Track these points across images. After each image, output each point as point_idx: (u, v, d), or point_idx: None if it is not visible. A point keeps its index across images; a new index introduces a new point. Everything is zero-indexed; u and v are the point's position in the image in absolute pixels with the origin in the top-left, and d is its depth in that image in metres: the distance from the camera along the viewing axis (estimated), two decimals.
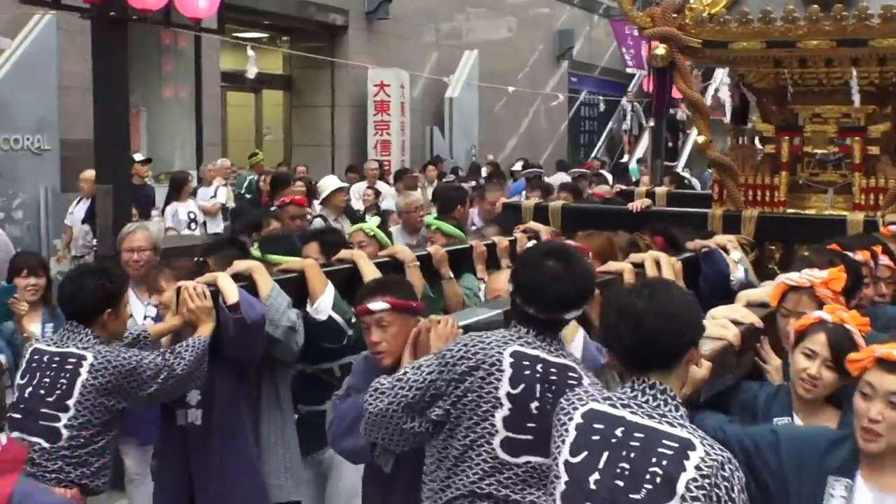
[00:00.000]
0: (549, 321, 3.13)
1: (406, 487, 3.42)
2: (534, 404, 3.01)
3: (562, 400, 2.78)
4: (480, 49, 20.08)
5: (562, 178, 16.15)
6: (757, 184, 6.27)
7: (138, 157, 12.08)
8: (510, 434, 3.01)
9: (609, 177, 16.10)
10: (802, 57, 6.01)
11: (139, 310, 5.39)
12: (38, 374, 3.93)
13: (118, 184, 7.90)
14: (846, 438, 2.88)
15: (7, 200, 11.21)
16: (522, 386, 3.02)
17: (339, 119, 17.91)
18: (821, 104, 6.16)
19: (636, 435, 2.57)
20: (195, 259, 4.78)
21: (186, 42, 14.92)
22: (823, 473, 2.84)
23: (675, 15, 6.09)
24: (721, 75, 15.25)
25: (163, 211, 11.46)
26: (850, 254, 4.33)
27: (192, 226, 11.25)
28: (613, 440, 2.58)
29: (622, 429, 2.58)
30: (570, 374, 3.07)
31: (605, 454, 2.57)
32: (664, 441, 2.54)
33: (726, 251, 5.79)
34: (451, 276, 5.13)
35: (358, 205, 11.72)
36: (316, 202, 11.35)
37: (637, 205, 6.34)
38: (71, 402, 3.83)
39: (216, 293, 4.05)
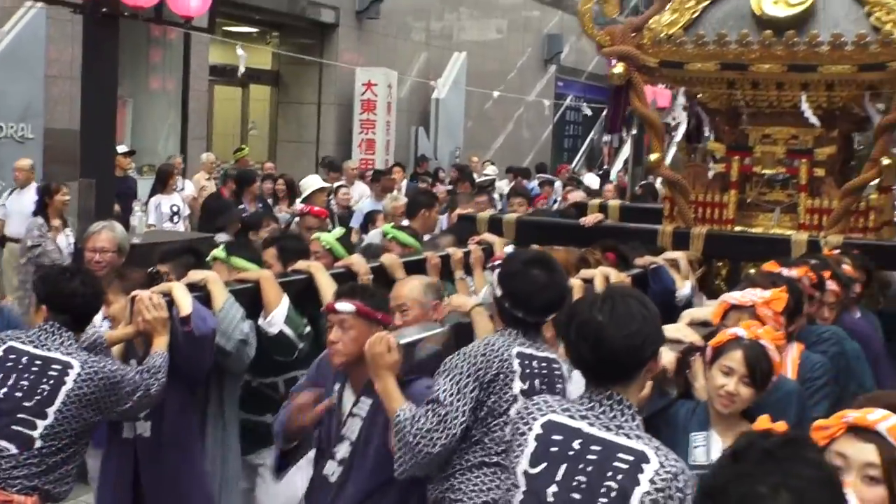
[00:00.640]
0: (535, 323, 3.48)
1: (352, 499, 3.54)
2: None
3: (519, 409, 2.83)
4: (469, 50, 20.19)
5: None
6: (707, 201, 6.44)
7: (121, 148, 11.98)
8: None
9: (595, 181, 16.23)
10: (755, 80, 6.19)
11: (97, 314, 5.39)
12: (14, 374, 3.72)
13: (102, 178, 7.98)
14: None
15: None
16: (528, 382, 3.37)
17: (325, 116, 17.99)
18: (771, 126, 6.33)
19: (593, 448, 2.59)
20: (147, 270, 4.67)
21: (176, 34, 14.92)
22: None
23: (633, 34, 6.26)
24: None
25: (146, 203, 11.38)
26: (786, 271, 4.48)
27: (175, 219, 11.18)
28: (571, 452, 2.61)
29: (580, 441, 2.61)
30: (554, 366, 3.44)
31: (563, 466, 2.61)
32: (619, 454, 2.56)
33: (678, 267, 5.97)
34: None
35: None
36: (298, 200, 11.50)
37: (589, 219, 6.51)
38: (51, 410, 3.66)
39: (170, 303, 4.03)
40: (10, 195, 10.48)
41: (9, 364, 3.74)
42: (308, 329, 4.45)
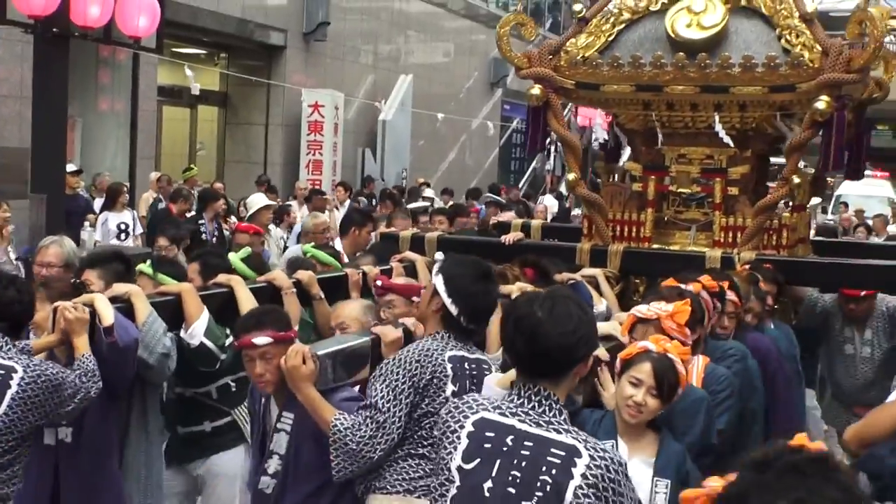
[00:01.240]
0: (469, 330, 3.68)
1: None
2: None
3: (449, 407, 2.86)
4: (416, 73, 20.24)
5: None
6: (624, 220, 6.45)
7: (70, 167, 12.06)
8: None
9: (555, 204, 16.24)
10: (670, 101, 6.21)
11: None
12: None
13: (52, 194, 8.00)
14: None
15: None
16: (459, 385, 3.54)
17: (272, 137, 17.95)
18: (686, 146, 6.35)
19: (526, 443, 2.64)
20: (71, 280, 4.70)
21: (124, 55, 14.85)
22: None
23: (550, 57, 6.26)
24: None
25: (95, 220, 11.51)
26: (684, 286, 4.52)
27: (122, 236, 11.30)
28: (505, 448, 2.65)
29: (512, 437, 2.66)
30: (484, 366, 3.65)
31: (498, 462, 2.65)
32: (552, 449, 2.62)
33: (597, 285, 5.99)
34: (322, 296, 5.20)
35: None
36: (232, 218, 11.49)
37: (510, 237, 6.51)
38: None
39: (93, 314, 4.03)
40: None
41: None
42: (230, 340, 4.47)
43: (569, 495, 2.55)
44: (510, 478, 2.63)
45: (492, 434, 2.68)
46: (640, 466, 3.41)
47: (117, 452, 4.29)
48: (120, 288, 4.30)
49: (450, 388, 3.54)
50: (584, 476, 2.57)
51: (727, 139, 6.13)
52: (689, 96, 6.11)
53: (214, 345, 4.44)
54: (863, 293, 6.33)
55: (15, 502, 4.19)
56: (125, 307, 4.16)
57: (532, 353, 2.68)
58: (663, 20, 6.10)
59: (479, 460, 2.68)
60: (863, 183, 24.06)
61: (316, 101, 17.67)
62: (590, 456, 2.60)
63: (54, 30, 7.75)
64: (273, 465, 3.72)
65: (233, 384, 4.73)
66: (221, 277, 4.87)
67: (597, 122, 6.97)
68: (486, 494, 2.64)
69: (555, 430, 2.65)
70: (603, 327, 4.45)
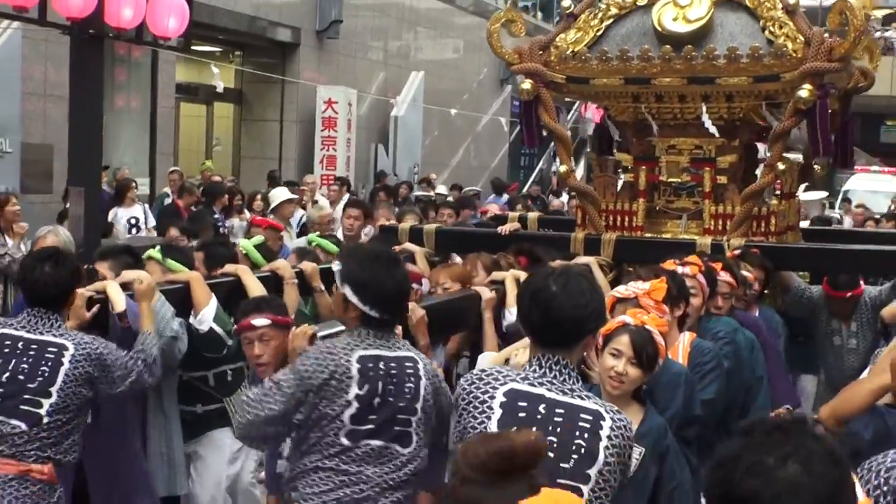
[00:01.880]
0: (384, 321, 3.44)
1: None
2: (376, 400, 3.36)
3: (476, 381, 2.92)
4: (426, 70, 20.26)
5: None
6: (617, 210, 6.48)
7: None
8: (354, 427, 3.35)
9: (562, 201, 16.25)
10: (658, 93, 6.24)
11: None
12: (13, 359, 3.87)
13: (89, 187, 8.29)
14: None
15: None
16: (367, 386, 3.35)
17: (287, 133, 18.02)
18: (676, 136, 6.38)
19: (558, 411, 2.82)
20: (84, 266, 4.76)
21: (140, 53, 15.00)
22: None
23: (541, 52, 6.30)
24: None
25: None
26: (680, 268, 4.59)
27: (133, 231, 11.36)
28: (539, 416, 2.81)
29: (544, 405, 2.82)
30: (407, 364, 3.45)
31: (534, 429, 2.71)
32: (581, 415, 2.82)
33: (590, 272, 6.03)
34: (322, 288, 5.27)
35: None
36: (247, 212, 11.58)
37: (506, 228, 6.57)
38: (54, 389, 3.84)
39: (105, 300, 4.19)
40: None
41: (6, 350, 3.89)
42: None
43: (600, 454, 2.79)
44: (548, 443, 2.74)
45: (525, 403, 2.83)
46: None
47: (138, 432, 4.46)
48: (129, 274, 4.41)
49: (353, 390, 3.32)
50: (609, 437, 2.81)
51: (713, 129, 6.16)
52: (676, 88, 6.14)
53: (223, 330, 4.55)
54: (848, 295, 6.35)
55: None
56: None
57: (547, 323, 2.85)
58: (650, 14, 6.14)
59: (515, 428, 2.71)
60: (870, 178, 24.06)
61: (330, 98, 17.72)
62: (612, 419, 2.84)
63: (90, 31, 7.96)
64: (286, 448, 3.73)
65: (230, 373, 4.83)
66: (229, 267, 5.01)
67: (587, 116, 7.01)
68: None
69: (579, 397, 2.86)
70: None
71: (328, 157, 17.94)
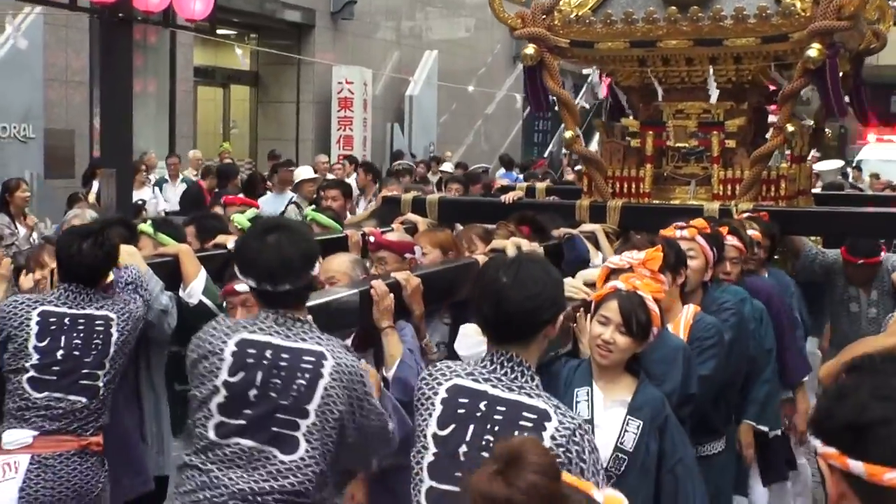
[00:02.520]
0: (272, 296, 2.94)
1: None
2: (253, 392, 2.87)
3: (424, 375, 2.74)
4: (439, 48, 19.99)
5: None
6: (624, 176, 6.23)
7: None
8: (224, 419, 2.89)
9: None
10: (665, 56, 5.98)
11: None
12: (63, 336, 3.79)
13: (121, 168, 8.45)
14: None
15: None
16: (242, 374, 2.87)
17: (303, 114, 17.84)
18: (683, 101, 6.11)
19: (499, 408, 2.56)
20: None
21: (155, 37, 14.86)
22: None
23: (544, 16, 6.07)
24: None
25: None
26: (678, 231, 4.33)
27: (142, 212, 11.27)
28: (478, 413, 2.57)
29: (485, 402, 2.57)
30: (306, 357, 2.89)
31: (472, 427, 2.57)
32: (524, 413, 2.54)
33: (596, 240, 5.79)
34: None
35: None
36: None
37: (509, 197, 6.35)
38: (107, 360, 3.83)
39: None
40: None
41: (53, 327, 3.82)
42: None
43: None
44: (484, 442, 2.54)
45: (465, 400, 2.61)
46: (614, 408, 3.22)
47: (134, 410, 4.33)
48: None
49: (223, 376, 2.87)
50: (552, 437, 2.50)
51: (715, 93, 5.89)
52: (682, 50, 5.89)
53: (213, 303, 4.35)
54: (860, 261, 6.03)
55: None
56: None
57: (498, 318, 2.61)
58: None
59: (453, 426, 2.60)
60: (883, 148, 23.63)
61: (345, 78, 17.52)
62: (559, 420, 2.53)
63: (119, 14, 7.89)
64: None
65: None
66: (220, 238, 4.88)
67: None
68: (462, 459, 2.56)
69: (526, 394, 2.58)
70: (591, 274, 4.27)
71: (345, 137, 17.75)
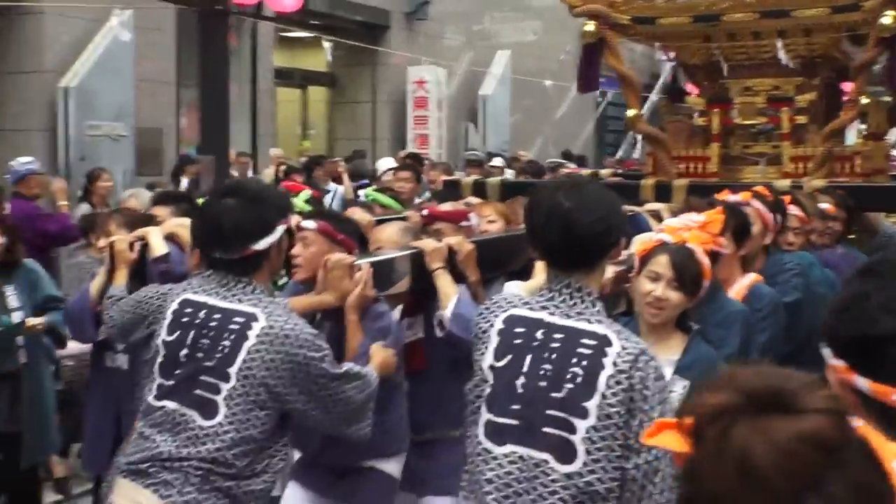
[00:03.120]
0: (218, 260, 2.79)
1: None
2: (183, 352, 2.73)
3: (482, 309, 2.61)
4: (511, 49, 19.74)
5: None
6: (690, 156, 5.91)
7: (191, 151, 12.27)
8: (161, 380, 2.76)
9: None
10: (731, 31, 5.65)
11: None
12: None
13: (218, 155, 8.73)
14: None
15: None
16: (178, 333, 2.75)
17: (379, 114, 17.73)
18: (750, 77, 5.78)
19: (556, 336, 2.41)
20: (143, 212, 4.75)
21: (237, 41, 14.93)
22: None
23: None
24: None
25: None
26: (732, 197, 4.07)
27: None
28: (535, 343, 2.42)
29: (542, 330, 2.42)
30: (235, 318, 2.71)
31: (529, 357, 2.42)
32: (583, 340, 2.38)
33: (660, 218, 5.50)
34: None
35: None
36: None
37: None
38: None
39: (145, 246, 3.99)
40: None
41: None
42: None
43: (601, 385, 2.32)
44: (542, 371, 2.38)
45: (522, 329, 2.45)
46: (664, 368, 2.95)
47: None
48: (172, 223, 4.17)
49: (162, 335, 2.77)
50: (615, 364, 2.32)
51: (790, 63, 5.52)
52: (748, 24, 5.56)
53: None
54: None
55: (86, 419, 4.42)
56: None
57: (567, 243, 2.43)
58: None
59: (510, 357, 2.44)
60: None
61: (420, 78, 17.38)
62: (621, 345, 2.35)
63: (216, 7, 7.98)
64: None
65: None
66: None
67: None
68: (520, 391, 2.40)
69: (585, 320, 2.40)
70: (649, 237, 4.03)
71: (420, 136, 17.60)
